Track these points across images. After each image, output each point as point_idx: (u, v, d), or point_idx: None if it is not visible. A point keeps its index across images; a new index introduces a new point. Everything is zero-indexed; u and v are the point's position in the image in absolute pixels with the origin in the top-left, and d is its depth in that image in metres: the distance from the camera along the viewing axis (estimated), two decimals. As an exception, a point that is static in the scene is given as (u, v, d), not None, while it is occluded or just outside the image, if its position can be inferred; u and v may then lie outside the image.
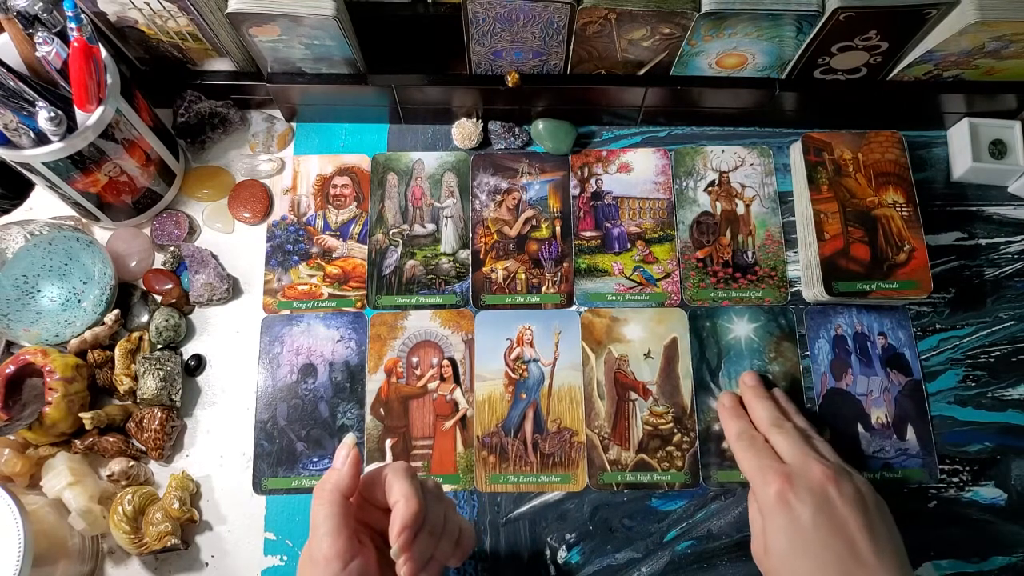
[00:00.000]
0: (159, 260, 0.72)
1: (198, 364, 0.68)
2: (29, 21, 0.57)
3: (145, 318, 0.69)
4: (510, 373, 0.68)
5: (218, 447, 0.67)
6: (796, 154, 0.72)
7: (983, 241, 0.72)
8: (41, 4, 0.56)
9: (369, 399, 0.68)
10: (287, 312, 0.70)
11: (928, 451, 0.66)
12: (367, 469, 0.47)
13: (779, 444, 0.57)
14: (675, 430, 0.67)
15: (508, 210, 0.74)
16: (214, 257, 0.71)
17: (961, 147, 0.73)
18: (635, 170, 0.75)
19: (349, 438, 0.49)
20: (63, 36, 0.57)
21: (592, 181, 0.74)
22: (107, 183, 0.65)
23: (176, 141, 0.73)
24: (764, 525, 0.54)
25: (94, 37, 0.57)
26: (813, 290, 0.68)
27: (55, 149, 0.59)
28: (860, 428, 0.67)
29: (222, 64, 0.71)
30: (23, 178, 0.67)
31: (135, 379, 0.66)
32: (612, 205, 0.74)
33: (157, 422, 0.64)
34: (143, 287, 0.70)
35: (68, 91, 0.59)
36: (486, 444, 0.67)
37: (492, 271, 0.72)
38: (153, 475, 0.66)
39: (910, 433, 0.66)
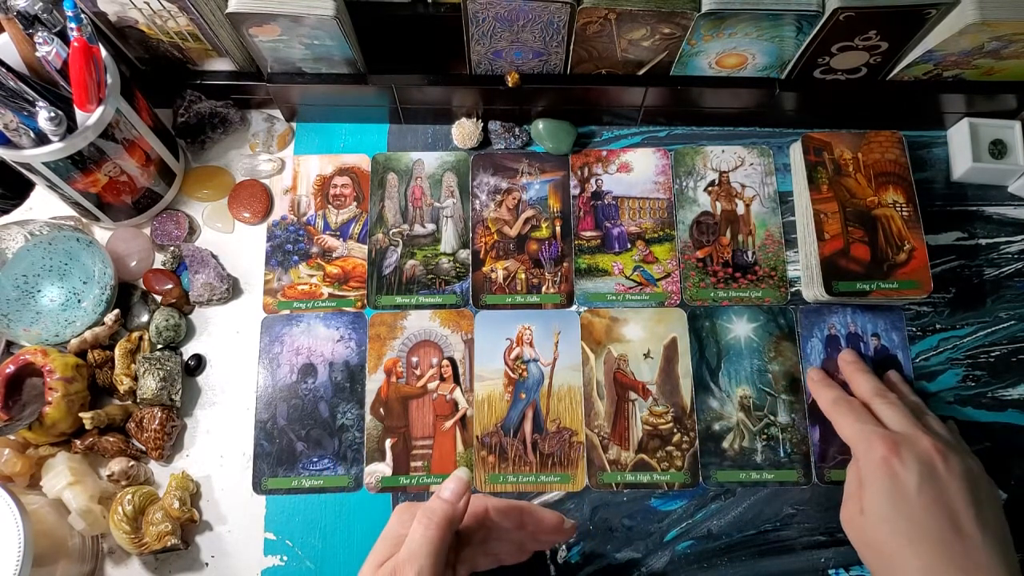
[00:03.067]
0: (159, 260, 0.72)
1: (198, 364, 0.68)
2: (29, 21, 0.57)
3: (145, 318, 0.69)
4: (510, 373, 0.69)
5: (218, 447, 0.67)
6: (796, 154, 0.72)
7: (983, 241, 0.72)
8: (41, 4, 0.56)
9: (369, 399, 0.68)
10: (287, 312, 0.70)
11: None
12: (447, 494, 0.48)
13: (884, 413, 0.58)
14: (675, 430, 0.67)
15: (508, 210, 0.74)
16: (214, 257, 0.71)
17: (961, 147, 0.73)
18: (635, 170, 0.75)
19: (465, 473, 0.48)
20: (63, 36, 0.57)
21: (592, 181, 0.74)
22: (107, 183, 0.65)
23: (176, 141, 0.73)
24: (864, 489, 0.54)
25: (94, 37, 0.57)
26: (813, 290, 0.68)
27: (55, 149, 0.59)
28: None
29: (222, 64, 0.71)
30: (23, 178, 0.67)
31: (135, 379, 0.66)
32: (612, 205, 0.74)
33: (157, 422, 0.64)
34: (143, 287, 0.70)
35: (68, 91, 0.59)
36: (486, 444, 0.67)
37: (492, 271, 0.72)
38: (153, 475, 0.66)
39: (906, 433, 0.66)
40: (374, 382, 0.68)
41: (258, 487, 0.66)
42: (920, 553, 0.49)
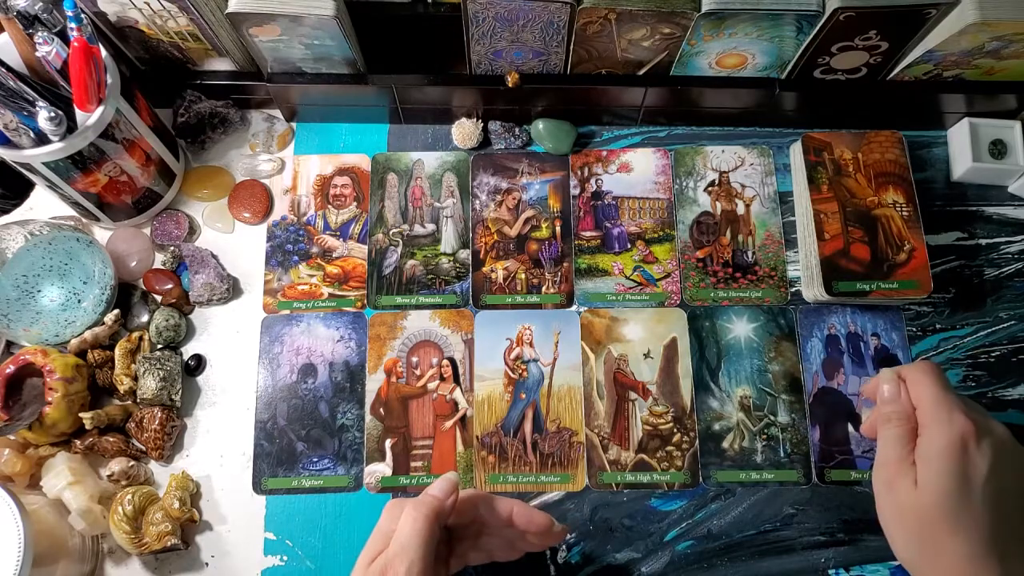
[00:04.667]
0: (159, 260, 0.72)
1: (198, 364, 0.68)
2: (29, 21, 0.57)
3: (145, 318, 0.69)
4: (510, 373, 0.69)
5: (218, 447, 0.67)
6: (796, 154, 0.72)
7: (983, 241, 0.72)
8: (41, 4, 0.56)
9: (369, 399, 0.68)
10: (287, 312, 0.70)
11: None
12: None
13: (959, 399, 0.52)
14: (675, 430, 0.67)
15: (508, 210, 0.74)
16: (214, 257, 0.71)
17: (961, 147, 0.73)
18: (635, 170, 0.75)
19: (453, 475, 0.50)
20: (63, 36, 0.57)
21: (592, 181, 0.74)
22: (107, 183, 0.65)
23: (176, 141, 0.73)
24: (926, 463, 0.49)
25: (94, 37, 0.57)
26: (813, 290, 0.68)
27: (55, 149, 0.59)
28: (850, 428, 0.67)
29: (222, 64, 0.71)
30: (23, 178, 0.67)
31: (135, 379, 0.66)
32: (612, 205, 0.74)
33: (157, 422, 0.64)
34: (143, 287, 0.70)
35: (68, 91, 0.59)
36: (485, 444, 0.67)
37: (492, 271, 0.72)
38: (153, 475, 0.66)
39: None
40: (374, 382, 0.68)
41: (258, 487, 0.66)
42: (970, 540, 0.47)
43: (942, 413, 0.50)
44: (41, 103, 0.57)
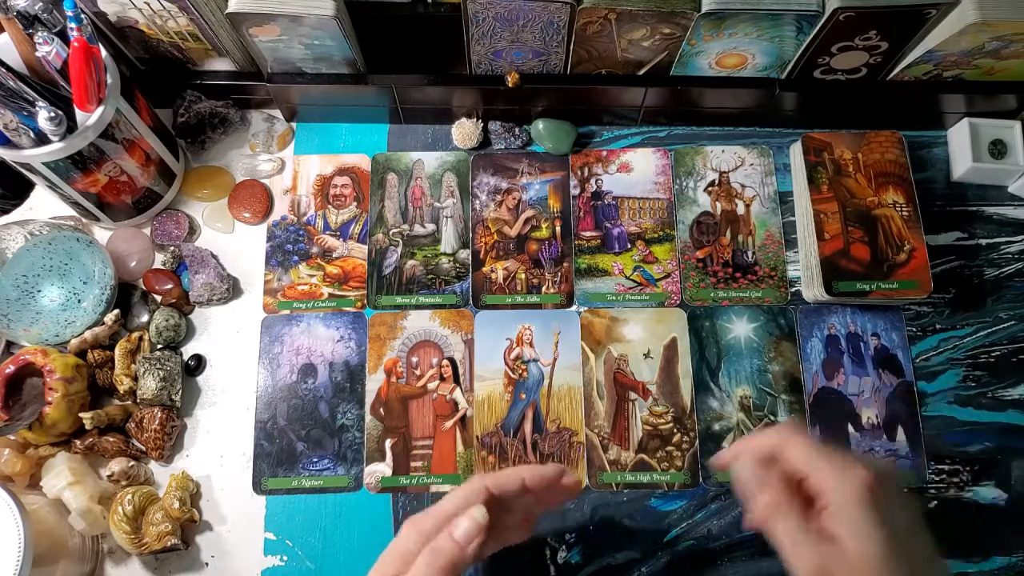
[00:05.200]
0: (159, 260, 0.72)
1: (198, 364, 0.68)
2: (29, 21, 0.57)
3: (145, 318, 0.69)
4: (510, 373, 0.68)
5: (218, 447, 0.67)
6: (796, 154, 0.72)
7: (983, 241, 0.72)
8: (41, 4, 0.56)
9: (369, 399, 0.68)
10: (287, 312, 0.70)
11: (917, 453, 0.66)
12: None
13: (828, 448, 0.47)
14: (675, 430, 0.67)
15: (508, 210, 0.74)
16: (214, 257, 0.71)
17: (961, 147, 0.73)
18: (635, 170, 0.75)
19: (481, 516, 0.46)
20: (63, 36, 0.57)
21: (592, 181, 0.74)
22: (107, 183, 0.65)
23: (176, 141, 0.73)
24: (847, 534, 0.44)
25: (94, 37, 0.57)
26: (813, 290, 0.68)
27: (55, 149, 0.59)
28: (850, 428, 0.67)
29: (222, 64, 0.71)
30: (23, 178, 0.67)
31: (135, 379, 0.66)
32: (612, 205, 0.74)
33: (157, 422, 0.64)
34: (143, 287, 0.70)
35: (68, 91, 0.59)
36: (485, 444, 0.67)
37: (492, 271, 0.72)
38: (153, 475, 0.66)
39: (900, 434, 0.66)
40: (374, 382, 0.68)
41: (258, 487, 0.66)
42: None
43: (836, 470, 0.45)
44: (41, 103, 0.57)
